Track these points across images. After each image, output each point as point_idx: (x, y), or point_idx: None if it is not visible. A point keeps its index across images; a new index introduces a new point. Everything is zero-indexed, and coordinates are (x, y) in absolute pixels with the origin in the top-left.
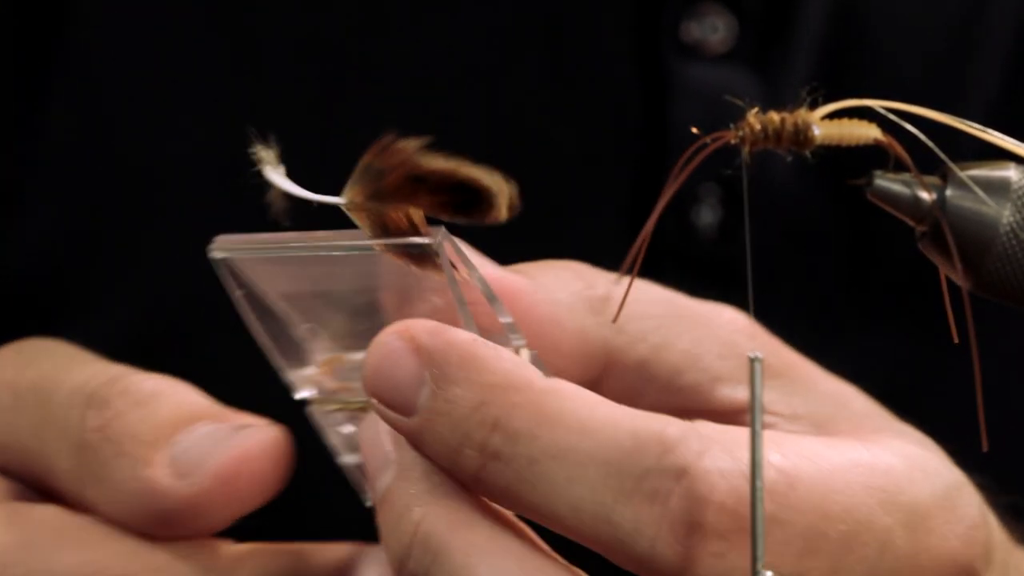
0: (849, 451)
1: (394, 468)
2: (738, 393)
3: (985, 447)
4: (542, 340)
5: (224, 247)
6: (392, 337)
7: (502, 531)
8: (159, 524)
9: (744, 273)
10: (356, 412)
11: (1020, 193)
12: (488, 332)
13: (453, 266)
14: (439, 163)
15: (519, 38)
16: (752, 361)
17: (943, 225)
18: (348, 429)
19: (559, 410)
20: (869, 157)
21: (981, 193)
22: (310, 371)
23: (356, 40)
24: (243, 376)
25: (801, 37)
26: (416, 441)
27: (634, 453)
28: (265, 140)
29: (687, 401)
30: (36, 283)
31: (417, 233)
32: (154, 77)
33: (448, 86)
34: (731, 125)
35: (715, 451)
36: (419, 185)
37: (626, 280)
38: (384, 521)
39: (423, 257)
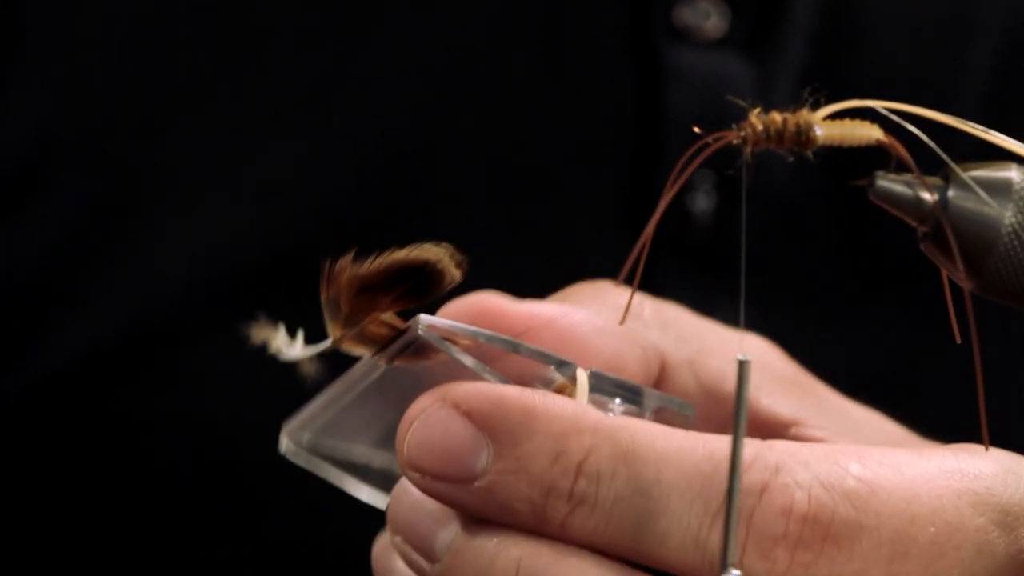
0: (935, 457)
1: (457, 521)
2: (779, 406)
3: (987, 447)
4: (595, 357)
5: (290, 437)
6: (434, 407)
7: (593, 556)
8: None
9: (739, 259)
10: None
11: (1022, 194)
12: (529, 380)
13: (452, 341)
14: (372, 266)
15: (511, 25)
16: (740, 364)
17: (945, 226)
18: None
19: (634, 444)
20: (861, 149)
21: (983, 194)
22: None
23: (350, 32)
24: (234, 378)
25: (794, 24)
26: (482, 502)
27: (714, 476)
28: (258, 322)
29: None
30: (28, 283)
31: (399, 333)
32: (149, 76)
33: (440, 74)
34: (733, 125)
35: (790, 465)
36: (371, 293)
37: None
38: (466, 570)
39: (424, 348)
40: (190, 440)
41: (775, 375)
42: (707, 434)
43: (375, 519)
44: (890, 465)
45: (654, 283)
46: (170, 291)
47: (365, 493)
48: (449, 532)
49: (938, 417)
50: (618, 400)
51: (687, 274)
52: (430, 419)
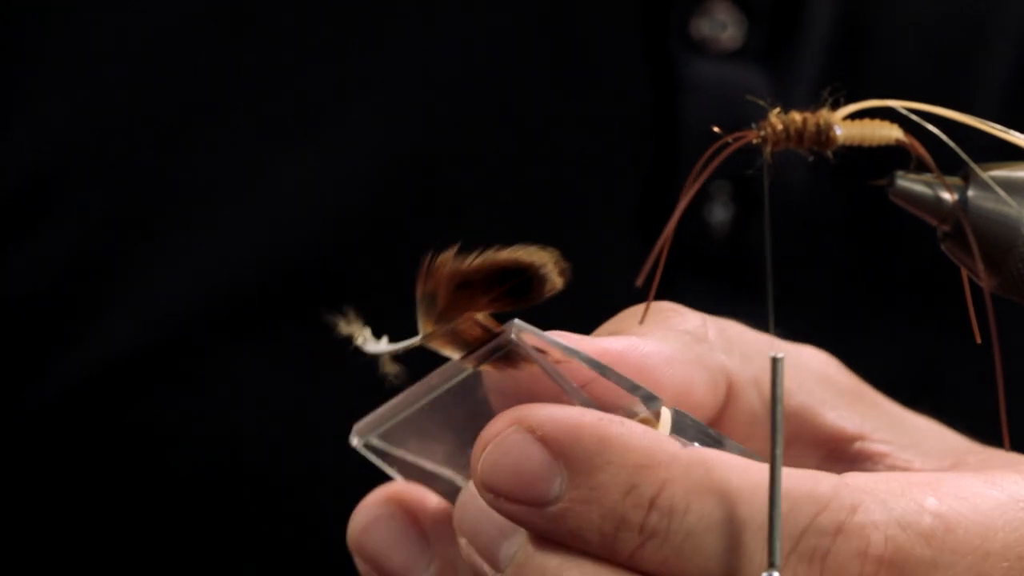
0: (1007, 485)
1: (523, 533)
2: (844, 420)
3: (1007, 448)
4: (666, 388)
5: (360, 433)
6: (511, 430)
7: None
8: None
9: (757, 269)
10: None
11: None
12: (611, 407)
13: (543, 351)
14: (475, 262)
15: (526, 37)
16: (774, 360)
17: (965, 225)
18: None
19: (709, 480)
20: (879, 152)
21: (1003, 194)
22: None
23: (364, 45)
24: (253, 389)
25: (810, 34)
26: (552, 527)
27: (788, 514)
28: (344, 314)
29: (799, 426)
30: (49, 297)
31: (492, 337)
32: (164, 91)
33: (455, 84)
34: (752, 124)
35: (868, 503)
36: (470, 290)
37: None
38: None
39: (513, 356)
40: (212, 451)
41: (838, 387)
42: (788, 468)
43: None
44: (965, 498)
45: (672, 294)
46: (189, 304)
47: (432, 495)
48: (513, 544)
49: (961, 421)
50: (696, 444)
51: (705, 285)
52: (505, 443)
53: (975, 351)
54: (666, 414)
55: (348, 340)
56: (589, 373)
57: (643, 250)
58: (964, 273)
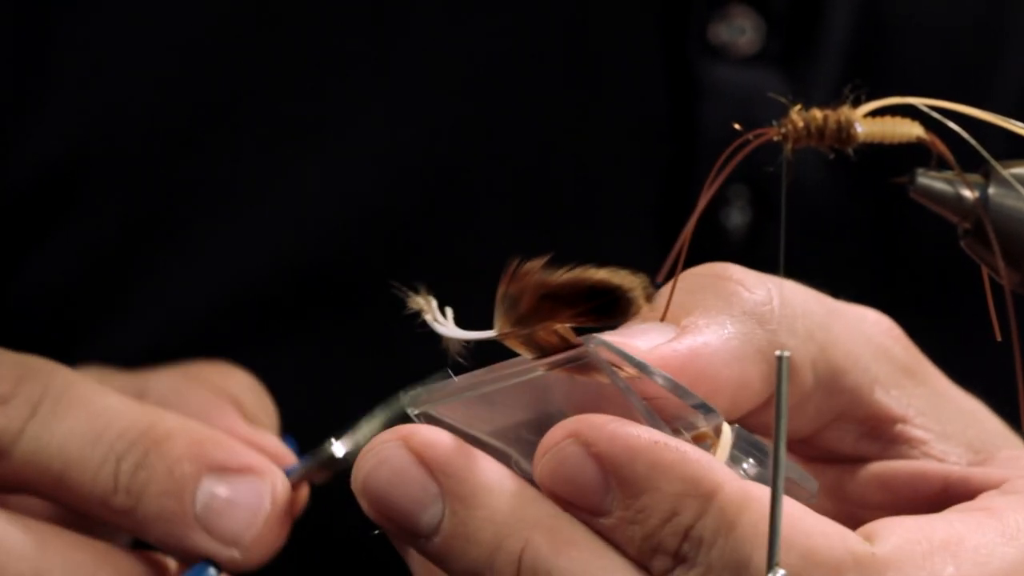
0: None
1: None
2: (890, 401)
3: None
4: (725, 388)
5: (416, 402)
6: (567, 442)
7: None
8: None
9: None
10: None
11: None
12: (674, 418)
13: (617, 367)
14: (565, 277)
15: (545, 41)
16: (779, 359)
17: (985, 223)
18: None
19: (744, 520)
20: (897, 156)
21: None
22: None
23: (384, 48)
24: (271, 388)
25: (827, 39)
26: (607, 535)
27: (802, 570)
28: (417, 292)
29: (848, 404)
30: (68, 296)
31: (569, 346)
32: (186, 92)
33: (474, 89)
34: (773, 123)
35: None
36: (554, 301)
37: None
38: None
39: (586, 366)
40: None
41: (892, 362)
42: (826, 520)
43: None
44: (984, 563)
45: None
46: (206, 304)
47: (442, 432)
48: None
49: None
50: (752, 460)
51: None
52: (562, 453)
53: (995, 349)
54: (727, 432)
55: (416, 315)
56: (655, 386)
57: (661, 254)
58: (984, 270)
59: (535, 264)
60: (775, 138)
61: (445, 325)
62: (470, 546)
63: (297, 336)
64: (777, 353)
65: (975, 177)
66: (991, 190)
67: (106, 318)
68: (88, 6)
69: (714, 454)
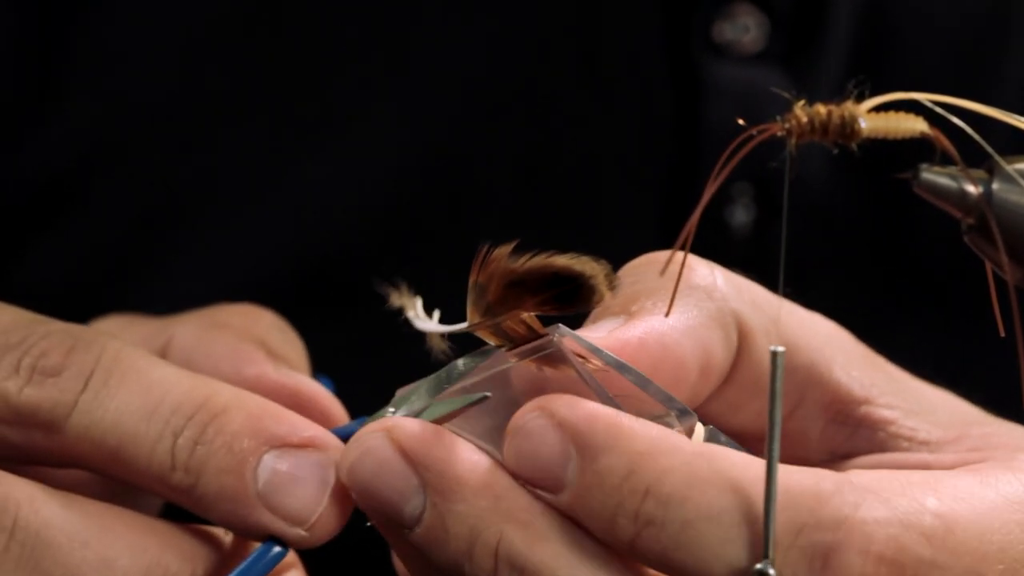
0: (1004, 486)
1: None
2: (853, 382)
3: None
4: (690, 361)
5: (398, 404)
6: (531, 416)
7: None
8: None
9: (778, 272)
10: None
11: None
12: (645, 418)
13: (585, 359)
14: (529, 264)
15: (550, 39)
16: (774, 355)
17: (989, 218)
18: None
19: (709, 471)
20: (904, 150)
21: None
22: None
23: (389, 44)
24: None
25: (831, 37)
26: (571, 515)
27: (790, 510)
28: (397, 289)
29: (806, 383)
30: (75, 290)
31: (535, 336)
32: (192, 90)
33: (480, 85)
34: (777, 118)
35: (870, 501)
36: (520, 289)
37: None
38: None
39: (554, 359)
40: None
41: (848, 350)
42: (791, 466)
43: None
44: (963, 499)
45: None
46: (213, 299)
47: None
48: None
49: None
50: None
51: None
52: (527, 427)
53: (997, 345)
54: (700, 430)
55: (399, 312)
56: (626, 382)
57: (664, 250)
58: (988, 266)
59: (501, 251)
60: (779, 133)
61: (424, 320)
62: (450, 538)
63: (302, 331)
64: (772, 349)
65: (979, 172)
66: (995, 185)
67: (114, 311)
68: (96, 5)
69: None
